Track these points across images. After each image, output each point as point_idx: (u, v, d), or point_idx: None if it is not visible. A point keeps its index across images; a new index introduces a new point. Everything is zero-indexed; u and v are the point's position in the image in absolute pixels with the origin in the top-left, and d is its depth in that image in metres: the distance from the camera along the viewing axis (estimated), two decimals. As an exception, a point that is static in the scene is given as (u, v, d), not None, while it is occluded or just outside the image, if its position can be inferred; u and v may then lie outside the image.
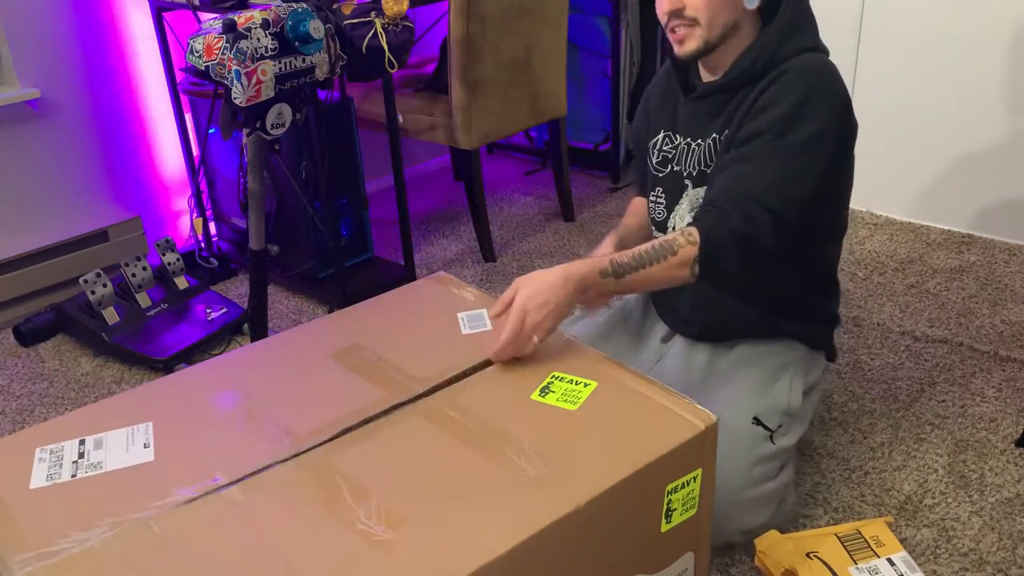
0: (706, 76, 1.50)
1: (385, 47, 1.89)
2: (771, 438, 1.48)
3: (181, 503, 1.00)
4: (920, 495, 1.63)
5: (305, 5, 1.73)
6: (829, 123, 1.36)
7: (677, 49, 1.44)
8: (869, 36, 2.69)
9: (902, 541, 1.50)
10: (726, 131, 1.44)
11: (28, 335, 2.35)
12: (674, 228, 1.56)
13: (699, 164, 1.50)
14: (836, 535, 1.43)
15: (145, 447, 1.11)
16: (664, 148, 1.57)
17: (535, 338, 1.24)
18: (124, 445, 1.12)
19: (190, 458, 1.09)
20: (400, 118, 2.59)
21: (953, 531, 1.54)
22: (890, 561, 1.38)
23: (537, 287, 1.24)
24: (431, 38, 3.04)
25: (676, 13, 1.39)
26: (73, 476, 1.06)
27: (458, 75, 2.44)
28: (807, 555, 1.39)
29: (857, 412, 1.87)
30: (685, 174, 1.52)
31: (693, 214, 1.49)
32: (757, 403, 1.50)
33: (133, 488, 1.04)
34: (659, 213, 1.59)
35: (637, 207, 1.73)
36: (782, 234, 1.35)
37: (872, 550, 1.40)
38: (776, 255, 1.38)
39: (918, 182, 2.73)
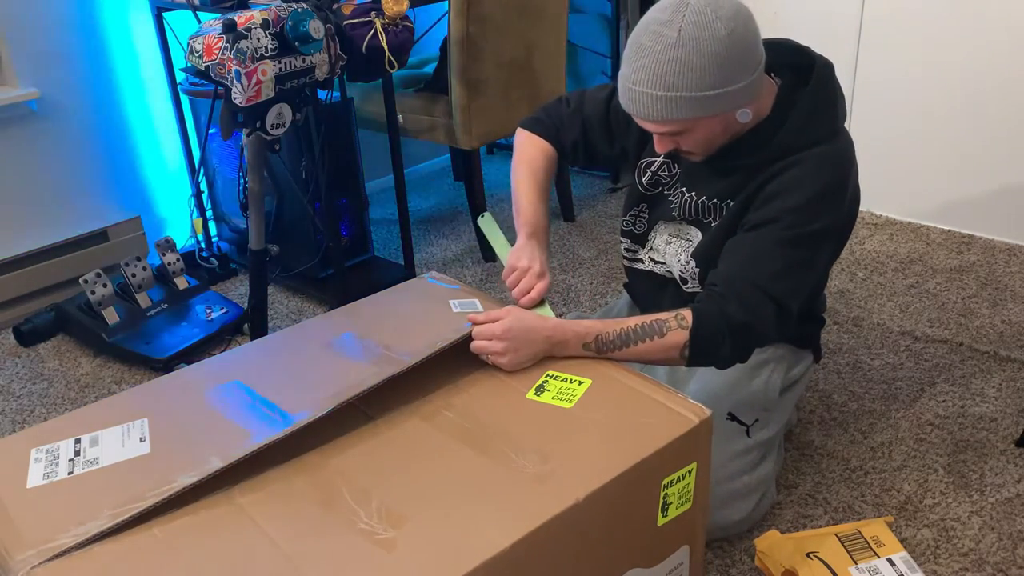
0: None
1: (385, 47, 1.89)
2: (747, 432, 1.50)
3: (178, 491, 1.00)
4: (920, 495, 1.63)
5: (305, 5, 1.74)
6: (837, 220, 1.35)
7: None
8: (869, 36, 2.69)
9: (902, 541, 1.50)
10: (728, 201, 1.41)
11: (28, 335, 2.35)
12: (652, 247, 1.55)
13: (693, 212, 1.47)
14: (836, 535, 1.43)
15: (141, 441, 1.11)
16: (660, 173, 1.53)
17: (488, 357, 1.25)
18: (120, 440, 1.12)
19: (186, 447, 1.09)
20: (400, 118, 2.59)
21: (953, 531, 1.54)
22: (890, 561, 1.38)
23: (523, 330, 1.23)
24: (431, 38, 3.04)
25: (674, 152, 1.37)
26: (70, 473, 1.06)
27: (458, 75, 2.44)
28: (807, 555, 1.39)
29: (857, 412, 1.87)
30: (673, 209, 1.50)
31: (685, 261, 1.48)
32: (731, 398, 1.50)
33: (130, 479, 1.04)
34: (640, 227, 1.57)
35: (543, 153, 1.58)
36: (783, 325, 1.32)
37: (872, 550, 1.40)
38: None
39: (918, 182, 2.73)
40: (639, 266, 1.59)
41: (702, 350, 1.28)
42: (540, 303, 1.39)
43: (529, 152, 1.59)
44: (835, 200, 1.34)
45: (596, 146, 1.59)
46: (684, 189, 1.48)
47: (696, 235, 1.47)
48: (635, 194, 1.57)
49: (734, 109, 1.29)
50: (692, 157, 1.40)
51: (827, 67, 1.39)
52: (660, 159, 1.53)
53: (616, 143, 1.57)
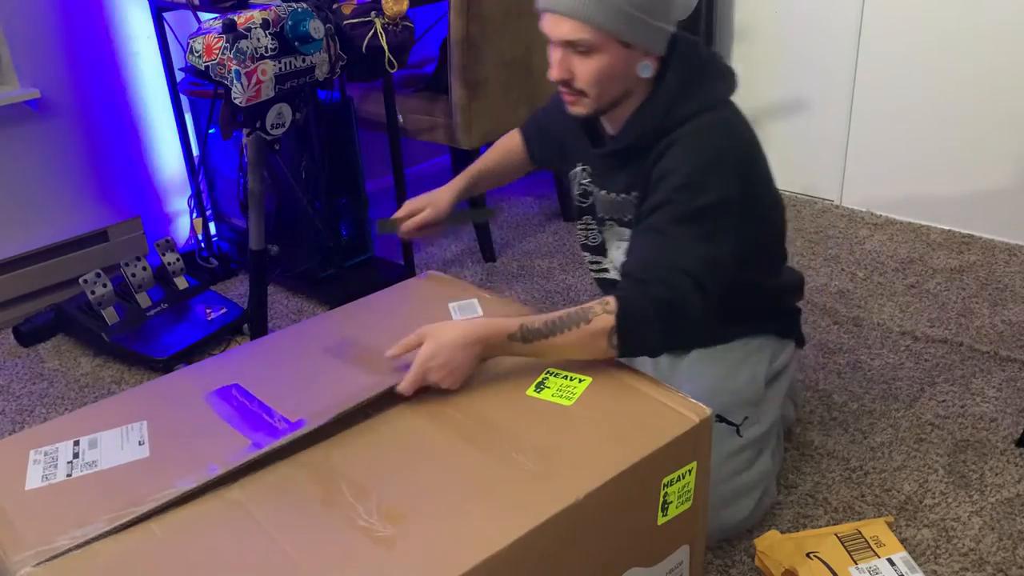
0: (607, 126, 1.47)
1: (385, 47, 1.89)
2: (738, 431, 1.50)
3: (177, 496, 1.00)
4: (920, 495, 1.63)
5: (305, 5, 1.74)
6: (728, 189, 1.32)
7: (567, 109, 1.41)
8: (869, 36, 2.69)
9: (902, 541, 1.50)
10: (633, 192, 1.42)
11: (28, 335, 2.35)
12: (611, 257, 1.56)
13: (613, 211, 1.49)
14: (836, 535, 1.43)
15: (140, 444, 1.11)
16: (583, 182, 1.55)
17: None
18: (119, 443, 1.12)
19: (185, 452, 1.09)
20: (400, 118, 2.59)
21: (953, 531, 1.54)
22: (890, 561, 1.38)
23: (438, 345, 1.18)
24: (431, 38, 3.04)
25: (564, 83, 1.36)
26: (68, 476, 1.06)
27: (458, 75, 2.44)
28: (807, 555, 1.39)
29: (857, 412, 1.87)
30: (599, 211, 1.52)
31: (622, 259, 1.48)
32: (717, 400, 1.49)
33: (129, 483, 1.04)
34: (593, 239, 1.58)
35: (509, 145, 1.74)
36: (706, 300, 1.28)
37: (872, 550, 1.40)
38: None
39: (918, 182, 2.73)
40: (605, 275, 1.60)
41: (631, 334, 1.22)
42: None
43: (499, 142, 1.77)
44: (719, 171, 1.32)
45: (534, 144, 1.69)
46: (600, 190, 1.50)
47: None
48: (576, 208, 1.60)
49: (642, 46, 1.30)
50: (578, 108, 1.39)
51: (688, 45, 1.38)
52: (579, 167, 1.55)
53: (549, 145, 1.65)
